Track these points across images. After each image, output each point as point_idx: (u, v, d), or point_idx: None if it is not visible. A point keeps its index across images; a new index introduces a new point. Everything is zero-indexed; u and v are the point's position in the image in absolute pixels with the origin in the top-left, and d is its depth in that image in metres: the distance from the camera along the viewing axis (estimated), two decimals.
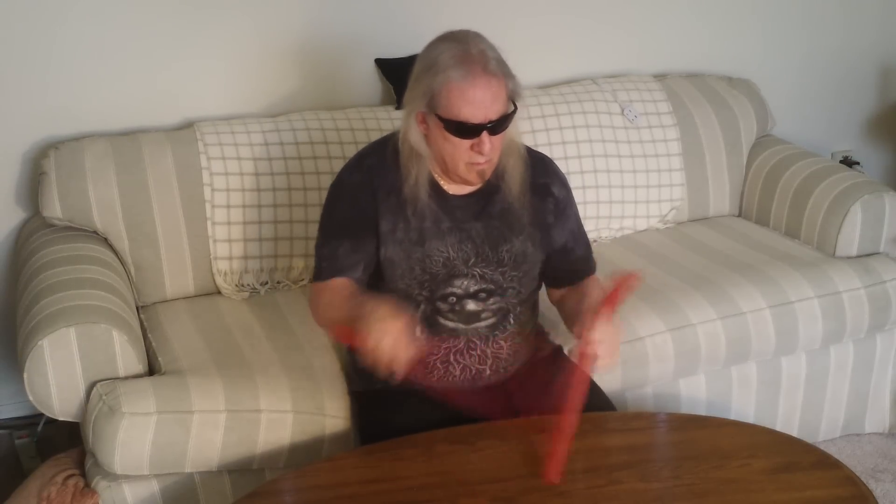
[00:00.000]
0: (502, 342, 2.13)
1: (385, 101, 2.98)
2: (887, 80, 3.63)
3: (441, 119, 1.96)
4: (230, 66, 2.85)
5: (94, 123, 2.74)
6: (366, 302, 1.90)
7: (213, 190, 2.62)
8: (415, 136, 2.02)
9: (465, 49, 1.94)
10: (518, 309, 2.15)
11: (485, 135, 1.96)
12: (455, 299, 2.09)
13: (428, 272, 2.08)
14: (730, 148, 3.10)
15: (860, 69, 3.59)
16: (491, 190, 2.11)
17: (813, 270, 2.67)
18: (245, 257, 2.65)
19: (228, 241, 2.64)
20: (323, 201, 2.18)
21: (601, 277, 2.24)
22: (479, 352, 2.12)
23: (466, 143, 1.97)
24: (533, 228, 2.14)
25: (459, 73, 1.92)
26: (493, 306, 2.12)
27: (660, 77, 3.17)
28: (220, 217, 2.63)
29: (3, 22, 2.62)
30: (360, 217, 2.08)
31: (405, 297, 2.09)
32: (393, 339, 1.80)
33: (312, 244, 2.18)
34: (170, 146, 2.65)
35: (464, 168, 2.02)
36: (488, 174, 2.06)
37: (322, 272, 2.11)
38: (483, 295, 2.10)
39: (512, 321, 2.14)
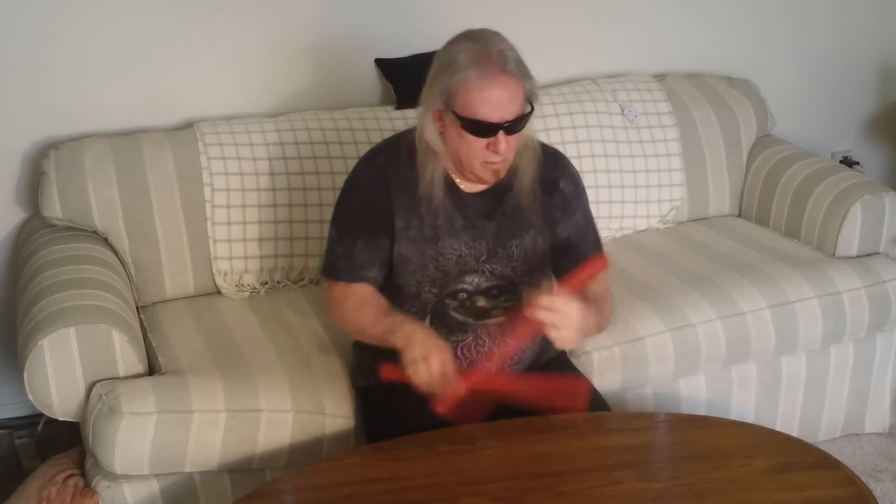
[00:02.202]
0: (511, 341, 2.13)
1: (385, 101, 2.98)
2: (887, 80, 3.63)
3: (458, 117, 1.96)
4: (230, 67, 2.85)
5: (94, 123, 2.74)
6: (397, 329, 1.95)
7: (213, 190, 2.62)
8: (431, 134, 2.02)
9: (484, 48, 1.94)
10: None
11: (501, 134, 1.96)
12: (465, 295, 2.10)
13: (441, 270, 2.09)
14: (730, 148, 3.10)
15: (860, 69, 3.59)
16: (503, 188, 2.11)
17: (813, 270, 2.67)
18: (245, 257, 2.65)
19: (228, 241, 2.64)
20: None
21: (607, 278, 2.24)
22: (486, 349, 2.12)
23: (482, 142, 1.97)
24: (542, 224, 2.14)
25: (477, 73, 1.92)
26: (505, 304, 2.11)
27: (660, 77, 3.17)
28: (220, 217, 2.63)
29: (3, 22, 2.62)
30: (376, 214, 2.09)
31: (415, 292, 2.09)
32: (436, 378, 1.88)
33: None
34: (170, 146, 2.65)
35: (479, 167, 2.02)
36: (503, 173, 2.06)
37: (340, 271, 2.12)
38: (495, 291, 2.11)
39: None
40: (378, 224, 2.09)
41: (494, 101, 1.93)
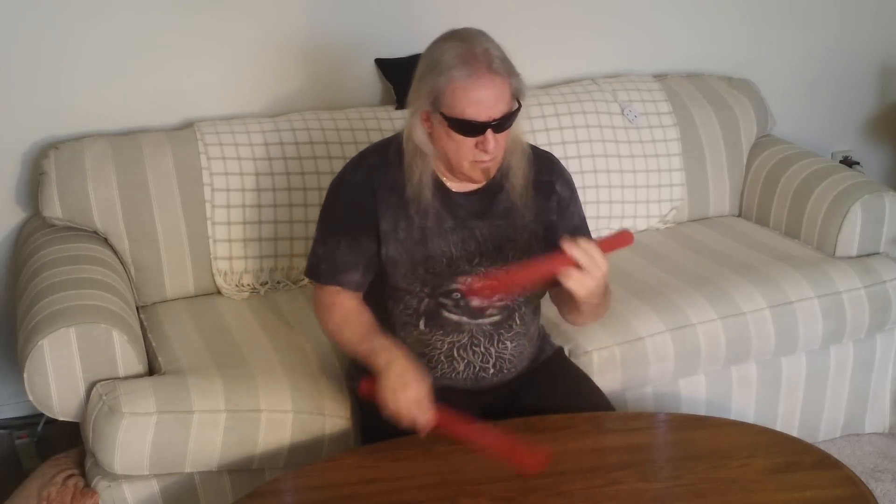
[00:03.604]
0: (507, 342, 2.13)
1: (385, 101, 2.98)
2: (887, 80, 3.63)
3: (445, 118, 1.96)
4: (230, 66, 2.85)
5: (94, 123, 2.74)
6: (379, 353, 1.98)
7: (213, 190, 2.62)
8: (419, 135, 2.02)
9: (469, 48, 1.94)
10: (523, 308, 2.15)
11: (489, 133, 1.96)
12: (459, 295, 2.09)
13: (431, 271, 2.08)
14: (730, 148, 3.10)
15: (860, 69, 3.59)
16: (495, 188, 2.11)
17: (813, 270, 2.67)
18: (245, 257, 2.65)
19: (228, 241, 2.64)
20: (323, 201, 2.18)
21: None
22: (482, 349, 2.12)
23: (471, 141, 1.97)
24: (537, 226, 2.14)
25: (463, 73, 1.92)
26: (499, 303, 2.11)
27: (660, 77, 3.17)
28: (220, 217, 2.63)
29: (3, 22, 2.62)
30: (359, 216, 2.08)
31: (407, 294, 2.09)
32: (409, 410, 1.91)
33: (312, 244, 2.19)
34: (170, 146, 2.65)
35: (468, 166, 2.02)
36: (493, 172, 2.06)
37: (321, 273, 2.12)
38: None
39: (518, 320, 2.14)
40: (362, 226, 2.08)
41: (481, 101, 1.93)
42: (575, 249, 1.88)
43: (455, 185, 2.11)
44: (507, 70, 1.96)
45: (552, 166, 2.21)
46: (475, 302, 2.09)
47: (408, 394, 1.92)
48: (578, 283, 1.90)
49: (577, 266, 1.88)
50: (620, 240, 1.98)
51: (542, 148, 2.27)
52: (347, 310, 2.10)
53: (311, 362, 2.34)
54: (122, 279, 2.50)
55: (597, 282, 1.91)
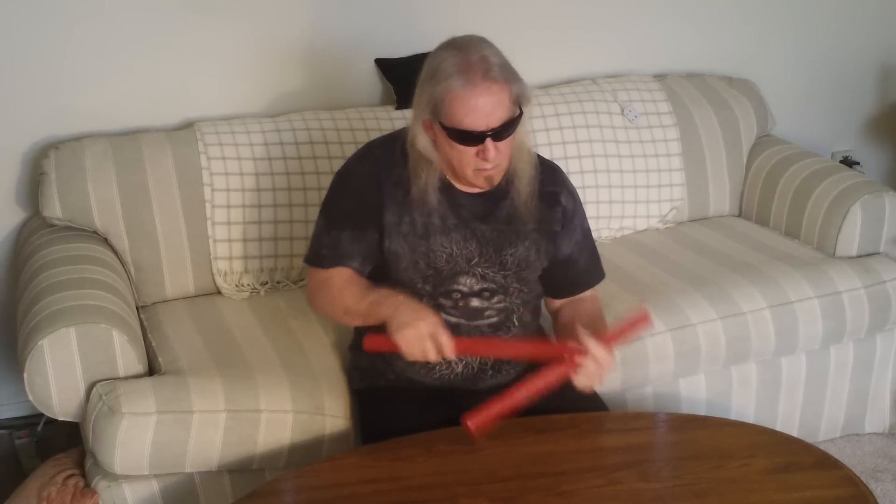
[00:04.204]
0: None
1: (385, 101, 2.98)
2: (887, 79, 3.63)
3: (445, 127, 1.96)
4: (230, 66, 2.85)
5: (94, 123, 2.74)
6: (384, 301, 1.97)
7: (213, 190, 2.62)
8: (423, 143, 2.02)
9: (465, 56, 1.93)
10: (521, 310, 2.15)
11: (489, 142, 1.95)
12: (459, 296, 2.09)
13: (432, 267, 2.08)
14: (730, 148, 3.10)
15: (860, 69, 3.59)
16: (500, 194, 2.11)
17: (813, 270, 2.67)
18: (245, 257, 2.65)
19: (228, 241, 2.64)
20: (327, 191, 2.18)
21: (605, 288, 2.26)
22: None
23: (472, 150, 1.97)
24: (539, 235, 2.14)
25: (460, 82, 1.91)
26: (497, 305, 2.11)
27: (660, 77, 3.17)
28: (220, 217, 2.63)
29: (3, 22, 2.62)
30: (365, 207, 2.09)
31: (409, 290, 2.09)
32: (430, 337, 1.89)
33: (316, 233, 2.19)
34: (170, 146, 2.65)
35: (471, 174, 2.02)
36: (497, 179, 2.06)
37: (323, 259, 2.12)
38: (487, 293, 2.10)
39: (516, 322, 2.14)
40: (367, 217, 2.09)
41: (479, 109, 1.92)
42: (580, 357, 1.91)
43: (461, 186, 2.11)
44: (505, 76, 1.94)
45: (557, 177, 2.20)
46: (475, 302, 2.10)
47: (427, 320, 1.90)
48: (587, 381, 1.94)
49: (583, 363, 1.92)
50: (638, 326, 1.98)
51: (539, 149, 2.28)
52: (345, 278, 2.09)
53: (311, 362, 2.34)
54: (122, 279, 2.50)
55: (600, 380, 1.94)
